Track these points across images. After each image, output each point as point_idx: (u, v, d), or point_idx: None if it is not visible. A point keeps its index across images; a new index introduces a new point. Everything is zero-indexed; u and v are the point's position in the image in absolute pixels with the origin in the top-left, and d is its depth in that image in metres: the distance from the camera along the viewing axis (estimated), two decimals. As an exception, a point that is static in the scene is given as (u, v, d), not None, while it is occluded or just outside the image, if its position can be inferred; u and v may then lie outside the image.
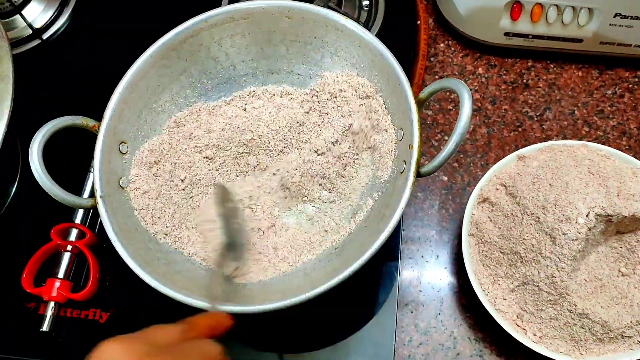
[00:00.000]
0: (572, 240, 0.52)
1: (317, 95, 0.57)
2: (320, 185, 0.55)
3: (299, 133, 0.57)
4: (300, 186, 0.55)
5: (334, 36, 0.54)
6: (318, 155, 0.55)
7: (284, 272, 0.52)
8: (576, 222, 0.52)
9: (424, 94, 0.48)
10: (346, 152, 0.55)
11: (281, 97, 0.58)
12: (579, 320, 0.53)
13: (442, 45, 0.74)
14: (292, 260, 0.52)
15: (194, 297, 0.44)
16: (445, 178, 0.67)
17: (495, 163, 0.64)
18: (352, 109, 0.55)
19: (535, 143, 0.68)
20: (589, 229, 0.52)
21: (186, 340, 0.33)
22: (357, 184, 0.55)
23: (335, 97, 0.56)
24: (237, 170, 0.58)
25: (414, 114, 0.47)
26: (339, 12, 0.54)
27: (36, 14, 0.72)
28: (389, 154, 0.52)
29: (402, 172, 0.48)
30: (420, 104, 0.48)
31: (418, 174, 0.46)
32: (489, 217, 0.58)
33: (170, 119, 0.57)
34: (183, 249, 0.53)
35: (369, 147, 0.54)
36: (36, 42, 0.71)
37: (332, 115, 0.56)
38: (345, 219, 0.54)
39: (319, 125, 0.57)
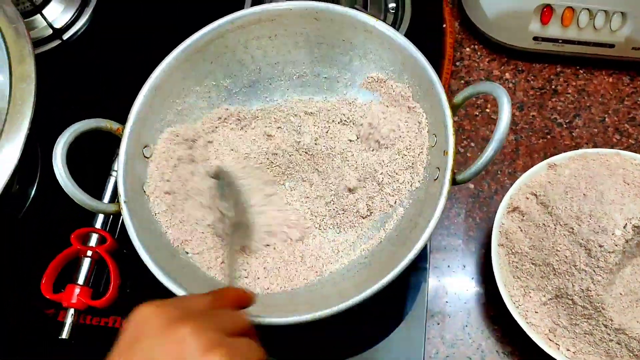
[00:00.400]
0: (609, 252, 0.50)
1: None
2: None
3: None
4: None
5: (363, 38, 0.53)
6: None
7: (311, 281, 0.50)
8: (612, 234, 0.50)
9: (458, 98, 0.47)
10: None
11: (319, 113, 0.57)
12: (615, 335, 0.51)
13: (467, 49, 0.73)
14: (319, 269, 0.51)
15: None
16: (472, 186, 0.65)
17: (523, 171, 0.63)
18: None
19: (564, 151, 0.66)
20: (626, 241, 0.50)
21: (214, 309, 0.34)
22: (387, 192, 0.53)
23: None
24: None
25: (448, 119, 0.46)
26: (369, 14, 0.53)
27: (57, 14, 0.71)
28: (421, 160, 0.50)
29: (435, 179, 0.47)
30: (454, 109, 0.47)
31: (453, 182, 0.45)
32: (520, 227, 0.57)
33: (196, 123, 0.56)
34: (199, 261, 0.51)
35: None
36: (56, 42, 0.70)
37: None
38: (374, 228, 0.53)
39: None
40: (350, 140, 0.55)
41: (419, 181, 0.50)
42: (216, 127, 0.56)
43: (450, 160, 0.44)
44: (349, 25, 0.53)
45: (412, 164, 0.51)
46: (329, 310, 0.42)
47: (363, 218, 0.53)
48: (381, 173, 0.52)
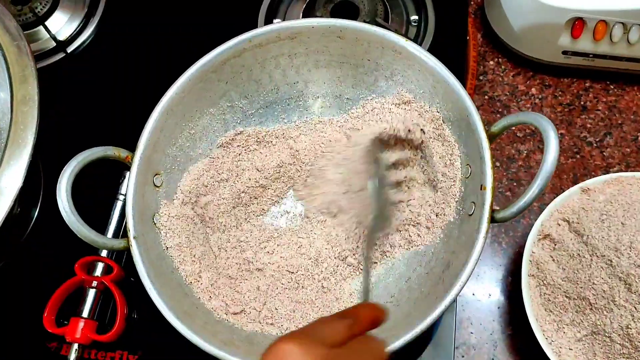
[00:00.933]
0: (652, 288, 0.47)
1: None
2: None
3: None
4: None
5: (390, 58, 0.50)
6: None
7: None
8: (656, 269, 0.47)
9: (497, 127, 0.43)
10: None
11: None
12: (657, 377, 0.48)
13: (491, 62, 0.69)
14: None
15: (236, 355, 0.40)
16: (497, 208, 0.62)
17: (551, 193, 0.60)
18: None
19: (595, 171, 0.63)
20: (670, 276, 0.47)
21: (352, 336, 0.32)
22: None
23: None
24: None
25: (485, 151, 0.42)
26: (398, 33, 0.49)
27: (60, 25, 0.68)
28: (453, 193, 0.47)
29: (470, 215, 0.43)
30: (491, 138, 0.43)
31: (492, 219, 0.41)
32: (552, 257, 0.54)
33: (209, 147, 0.52)
34: (202, 298, 0.47)
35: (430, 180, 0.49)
36: (60, 55, 0.67)
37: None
38: (402, 264, 0.49)
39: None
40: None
41: (450, 215, 0.46)
42: (239, 154, 0.53)
43: (488, 197, 0.41)
44: (375, 45, 0.49)
45: (444, 195, 0.47)
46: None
47: (388, 254, 0.50)
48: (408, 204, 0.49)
